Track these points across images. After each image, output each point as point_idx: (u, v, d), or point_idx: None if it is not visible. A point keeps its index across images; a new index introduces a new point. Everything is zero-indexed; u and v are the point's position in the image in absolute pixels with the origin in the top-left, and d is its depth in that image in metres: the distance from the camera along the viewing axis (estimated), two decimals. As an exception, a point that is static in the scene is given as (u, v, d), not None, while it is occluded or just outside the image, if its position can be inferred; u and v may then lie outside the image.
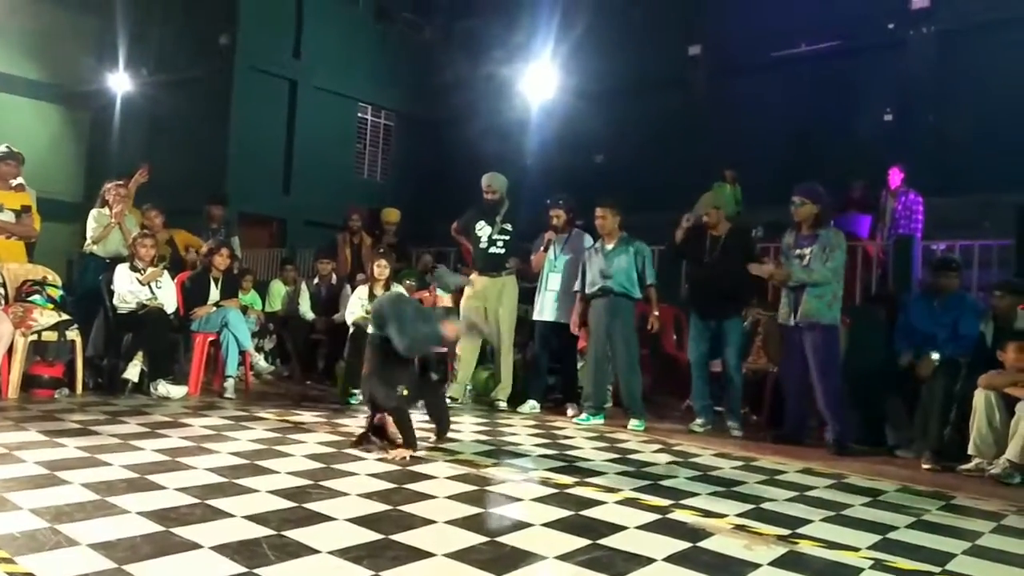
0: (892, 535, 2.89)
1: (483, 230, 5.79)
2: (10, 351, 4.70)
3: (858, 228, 8.20)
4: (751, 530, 2.82)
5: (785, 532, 2.82)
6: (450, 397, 5.58)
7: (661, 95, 12.44)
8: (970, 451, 4.15)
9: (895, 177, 8.13)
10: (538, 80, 12.09)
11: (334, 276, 7.28)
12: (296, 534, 2.44)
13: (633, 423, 5.10)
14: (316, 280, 7.37)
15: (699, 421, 5.13)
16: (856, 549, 2.67)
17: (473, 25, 14.39)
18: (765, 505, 3.21)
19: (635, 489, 3.33)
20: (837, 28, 11.01)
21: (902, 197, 8.03)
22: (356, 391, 4.83)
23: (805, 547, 2.66)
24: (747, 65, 11.78)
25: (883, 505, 3.37)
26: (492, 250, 5.75)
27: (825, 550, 2.63)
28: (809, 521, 3.00)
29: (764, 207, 8.22)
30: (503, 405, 5.61)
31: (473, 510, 2.86)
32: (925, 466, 4.29)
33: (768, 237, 6.92)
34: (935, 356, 4.59)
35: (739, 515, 3.01)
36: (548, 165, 12.49)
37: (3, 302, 4.87)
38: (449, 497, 3.01)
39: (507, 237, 5.79)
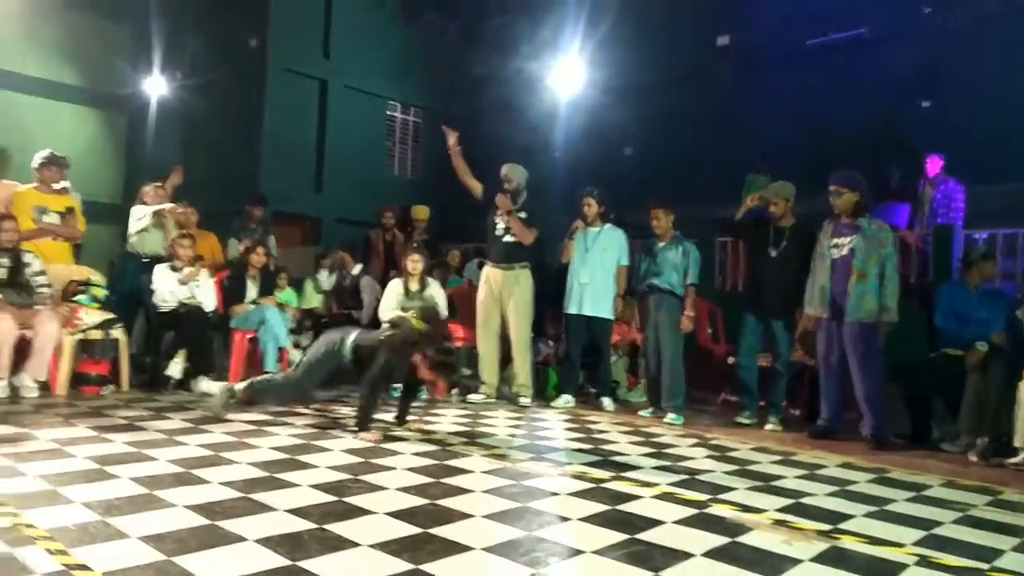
0: (937, 531, 2.84)
1: (500, 217, 5.73)
2: (58, 350, 4.84)
3: (896, 218, 8.04)
4: (791, 525, 2.79)
5: (826, 527, 2.79)
6: (483, 394, 5.60)
7: (690, 87, 12.29)
8: (1017, 443, 4.06)
9: (933, 165, 7.95)
10: (566, 75, 12.05)
11: (356, 268, 7.36)
12: (337, 527, 2.48)
13: (671, 417, 5.08)
14: (342, 270, 7.45)
15: (747, 413, 5.14)
16: (900, 545, 2.63)
17: (500, 22, 14.37)
18: (805, 500, 3.18)
19: (672, 484, 3.32)
20: (870, 14, 10.78)
21: (941, 185, 7.86)
22: (397, 386, 4.92)
23: (847, 543, 2.62)
24: (777, 54, 11.58)
25: (928, 500, 3.32)
26: (507, 239, 5.68)
27: (868, 546, 2.60)
28: (851, 516, 2.96)
29: (797, 198, 8.10)
30: (526, 402, 5.56)
31: (510, 504, 2.87)
32: (973, 459, 4.20)
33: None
34: (982, 346, 4.49)
35: (779, 510, 2.99)
36: (577, 159, 12.45)
37: (51, 302, 5.01)
38: (486, 491, 3.03)
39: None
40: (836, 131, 10.47)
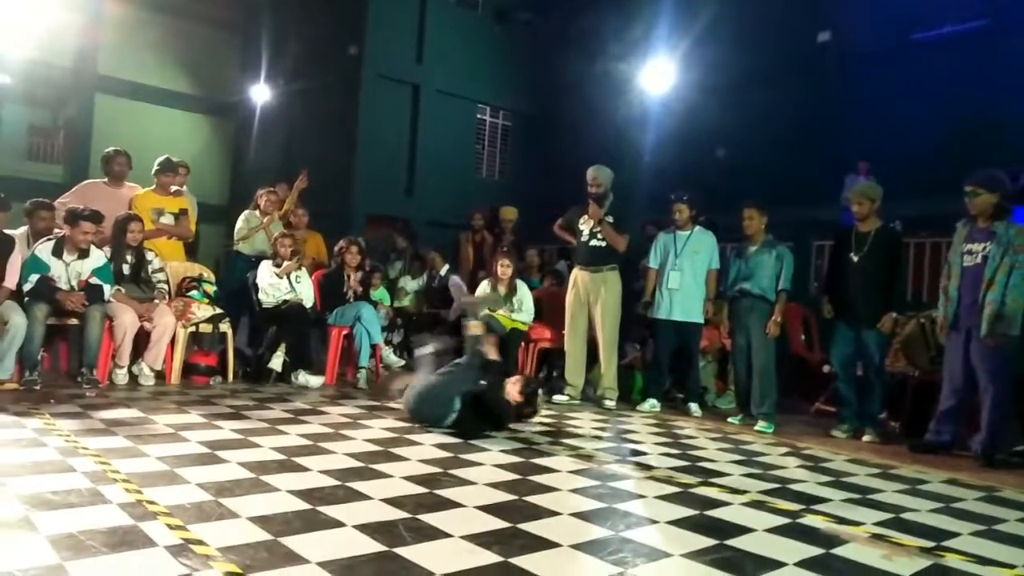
0: (1054, 554, 2.67)
1: (585, 223, 5.73)
2: (172, 341, 5.20)
3: (1020, 221, 7.54)
4: (891, 540, 2.69)
5: (929, 544, 2.67)
6: (567, 395, 5.62)
7: (788, 85, 11.90)
8: None
9: (1058, 165, 7.41)
10: (657, 75, 11.91)
11: (443, 268, 7.53)
12: (429, 518, 2.57)
13: (761, 425, 4.97)
14: (431, 271, 7.66)
15: (844, 427, 4.94)
16: (1011, 567, 2.50)
17: (590, 23, 14.35)
18: (905, 515, 3.05)
19: (762, 492, 3.26)
20: (987, 5, 10.15)
21: (1067, 187, 7.31)
22: None
23: (952, 561, 2.51)
24: (882, 50, 11.07)
25: (1042, 522, 3.12)
26: (593, 243, 5.68)
27: (975, 565, 2.48)
28: (956, 534, 2.82)
29: (904, 200, 7.70)
30: (611, 404, 5.53)
31: (597, 504, 2.89)
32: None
33: (909, 232, 6.51)
34: None
35: (877, 524, 2.88)
36: (667, 161, 12.27)
37: (167, 297, 5.38)
38: (572, 491, 3.07)
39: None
40: (949, 129, 9.90)
